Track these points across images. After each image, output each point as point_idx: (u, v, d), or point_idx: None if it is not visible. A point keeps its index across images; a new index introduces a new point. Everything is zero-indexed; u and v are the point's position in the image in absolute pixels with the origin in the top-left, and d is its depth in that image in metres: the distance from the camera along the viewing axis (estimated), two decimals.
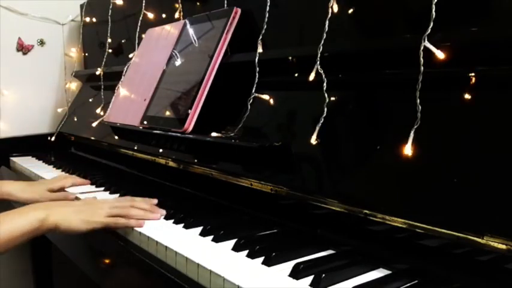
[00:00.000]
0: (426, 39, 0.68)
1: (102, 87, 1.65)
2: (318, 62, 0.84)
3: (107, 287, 1.03)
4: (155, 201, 1.00)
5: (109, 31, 1.71)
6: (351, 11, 0.86)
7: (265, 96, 0.97)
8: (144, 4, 1.50)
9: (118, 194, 1.16)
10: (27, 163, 1.64)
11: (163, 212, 0.96)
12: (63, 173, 1.46)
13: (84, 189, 1.22)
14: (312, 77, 0.85)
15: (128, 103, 1.39)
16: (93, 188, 1.26)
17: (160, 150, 1.21)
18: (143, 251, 0.85)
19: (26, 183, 1.23)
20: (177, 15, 1.37)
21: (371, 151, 0.75)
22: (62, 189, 1.20)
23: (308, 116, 0.88)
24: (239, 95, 1.03)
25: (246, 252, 0.76)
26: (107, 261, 0.98)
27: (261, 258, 0.73)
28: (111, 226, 0.90)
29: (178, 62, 1.22)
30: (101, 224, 0.89)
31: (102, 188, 1.24)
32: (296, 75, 0.95)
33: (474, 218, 0.60)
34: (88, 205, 0.93)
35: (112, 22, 1.70)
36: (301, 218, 0.86)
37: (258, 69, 0.98)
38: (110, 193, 1.19)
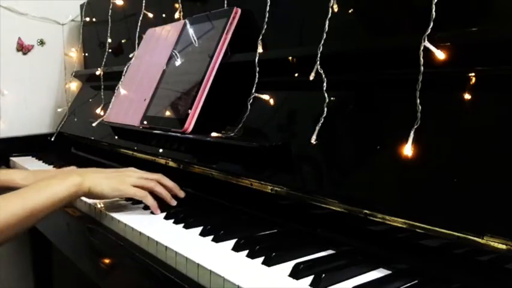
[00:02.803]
0: (426, 39, 0.68)
1: (102, 87, 1.65)
2: (318, 62, 0.84)
3: (106, 287, 1.03)
4: (182, 194, 1.04)
5: (109, 31, 1.71)
6: (351, 10, 0.86)
7: (265, 96, 0.97)
8: (144, 4, 1.50)
9: None
10: (27, 163, 1.64)
11: (183, 194, 1.03)
12: None
13: None
14: (312, 77, 0.85)
15: (128, 103, 1.39)
16: None
17: (160, 150, 1.21)
18: (143, 251, 0.85)
19: (30, 172, 1.24)
20: (177, 15, 1.37)
21: (371, 151, 0.75)
22: None
23: (308, 116, 0.88)
24: (239, 95, 1.03)
25: (246, 252, 0.76)
26: (106, 261, 0.98)
27: (261, 258, 0.73)
28: (137, 197, 0.98)
29: (178, 62, 1.22)
30: (126, 193, 0.98)
31: None
32: (296, 75, 0.95)
33: (474, 218, 0.60)
34: (117, 173, 1.01)
35: (112, 22, 1.70)
36: (301, 218, 0.86)
37: (258, 69, 0.98)
38: None
